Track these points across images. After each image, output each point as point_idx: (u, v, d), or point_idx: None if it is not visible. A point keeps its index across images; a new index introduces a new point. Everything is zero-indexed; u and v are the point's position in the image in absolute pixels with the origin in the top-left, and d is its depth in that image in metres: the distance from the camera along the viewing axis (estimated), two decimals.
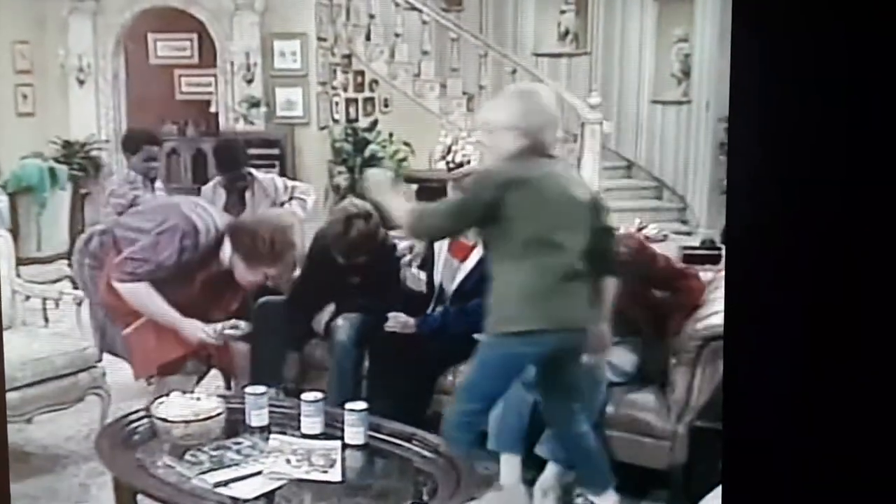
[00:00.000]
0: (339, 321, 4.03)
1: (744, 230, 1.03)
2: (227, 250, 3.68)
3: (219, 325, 3.68)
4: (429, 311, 3.97)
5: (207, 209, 3.87)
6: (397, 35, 9.41)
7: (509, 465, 3.51)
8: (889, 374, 0.98)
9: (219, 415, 2.94)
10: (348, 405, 2.99)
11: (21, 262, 4.76)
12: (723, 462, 1.09)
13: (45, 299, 4.58)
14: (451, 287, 3.95)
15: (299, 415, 3.05)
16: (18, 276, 4.45)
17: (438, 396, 3.75)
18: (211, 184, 5.11)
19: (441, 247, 3.98)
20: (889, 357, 0.97)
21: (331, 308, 4.12)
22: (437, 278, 4.02)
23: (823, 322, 1.00)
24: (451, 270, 3.96)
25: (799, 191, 0.98)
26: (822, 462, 1.02)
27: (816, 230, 0.98)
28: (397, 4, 9.36)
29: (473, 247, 3.81)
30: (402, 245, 4.26)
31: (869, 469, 1.00)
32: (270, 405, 3.13)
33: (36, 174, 5.91)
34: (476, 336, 3.29)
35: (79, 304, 4.19)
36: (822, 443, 1.02)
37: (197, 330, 3.63)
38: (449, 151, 8.59)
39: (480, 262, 3.75)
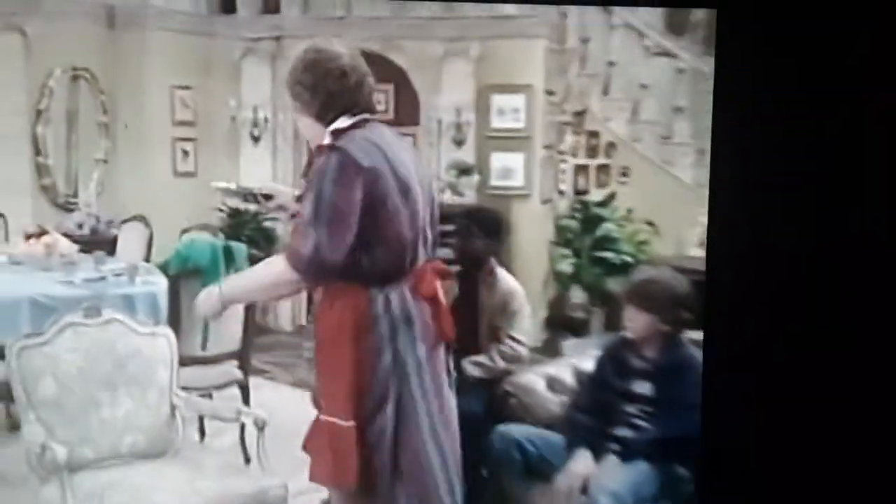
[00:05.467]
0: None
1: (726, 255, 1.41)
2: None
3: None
4: None
5: None
6: (643, 87, 8.50)
7: None
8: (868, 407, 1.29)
9: None
10: None
11: (180, 362, 3.98)
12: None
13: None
14: None
15: None
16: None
17: None
18: None
19: None
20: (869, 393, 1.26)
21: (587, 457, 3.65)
22: None
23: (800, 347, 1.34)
24: None
25: (782, 227, 1.34)
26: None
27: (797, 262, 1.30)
28: (646, 48, 8.45)
29: None
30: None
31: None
32: None
33: (207, 253, 5.12)
34: None
35: (261, 429, 3.47)
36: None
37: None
38: None
39: None
